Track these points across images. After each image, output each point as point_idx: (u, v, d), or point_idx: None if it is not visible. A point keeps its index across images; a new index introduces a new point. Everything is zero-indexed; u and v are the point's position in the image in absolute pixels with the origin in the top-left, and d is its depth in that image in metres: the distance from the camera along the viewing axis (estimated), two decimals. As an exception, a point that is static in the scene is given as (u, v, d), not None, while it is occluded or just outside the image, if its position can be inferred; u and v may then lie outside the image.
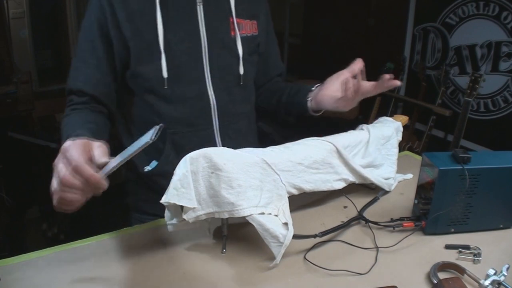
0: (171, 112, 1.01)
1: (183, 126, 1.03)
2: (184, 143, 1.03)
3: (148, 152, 1.03)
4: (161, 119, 1.00)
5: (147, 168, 1.06)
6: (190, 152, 0.81)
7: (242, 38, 1.06)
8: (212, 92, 1.04)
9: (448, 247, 0.87)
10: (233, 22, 1.05)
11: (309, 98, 1.13)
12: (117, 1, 0.94)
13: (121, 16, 0.94)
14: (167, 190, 0.79)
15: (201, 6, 1.00)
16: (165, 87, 0.99)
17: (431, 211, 0.88)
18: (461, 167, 0.86)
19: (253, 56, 1.12)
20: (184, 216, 0.80)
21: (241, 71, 1.07)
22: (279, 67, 1.28)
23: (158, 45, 0.96)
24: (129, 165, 1.09)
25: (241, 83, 1.09)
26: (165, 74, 0.98)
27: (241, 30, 1.06)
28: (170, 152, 1.03)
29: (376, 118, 1.22)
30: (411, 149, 2.61)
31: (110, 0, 0.94)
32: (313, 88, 1.15)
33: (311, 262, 0.81)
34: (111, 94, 1.03)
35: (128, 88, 1.03)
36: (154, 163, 1.05)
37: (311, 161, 0.92)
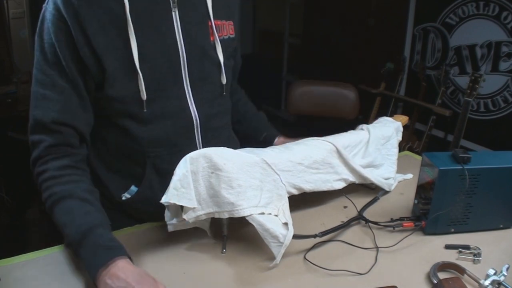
0: (150, 134, 0.90)
1: (164, 147, 0.92)
2: (167, 166, 0.91)
3: (124, 178, 0.96)
4: (138, 143, 0.91)
5: (126, 196, 0.95)
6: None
7: (221, 42, 0.96)
8: (194, 107, 0.94)
9: (448, 247, 0.87)
10: (211, 26, 0.94)
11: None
12: (84, 14, 0.79)
13: (91, 30, 0.80)
14: (167, 190, 0.79)
15: (177, 11, 0.89)
16: (144, 110, 0.88)
17: (431, 211, 0.88)
18: (461, 167, 0.86)
19: (230, 61, 1.02)
20: (184, 216, 0.80)
21: (223, 80, 0.97)
22: (239, 62, 1.17)
23: (133, 62, 0.84)
24: (102, 192, 0.95)
25: (224, 93, 1.00)
26: (143, 96, 0.86)
27: (219, 33, 0.96)
28: (152, 177, 0.93)
29: (376, 118, 1.23)
30: (411, 149, 2.61)
31: (75, 13, 0.79)
32: (276, 143, 1.15)
33: (311, 262, 0.81)
34: (90, 120, 0.89)
35: (99, 110, 0.90)
36: (133, 190, 0.95)
37: (311, 161, 0.92)
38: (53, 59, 0.82)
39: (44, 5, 0.84)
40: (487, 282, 0.73)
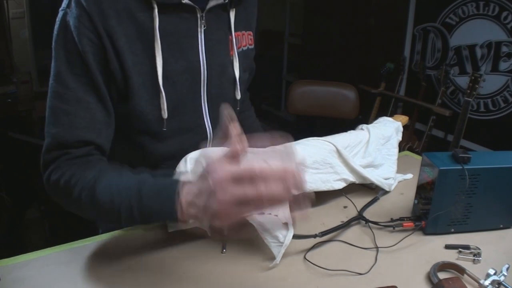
0: (165, 150, 0.89)
1: (177, 159, 0.86)
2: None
3: None
4: (151, 158, 0.89)
5: None
6: None
7: (239, 54, 0.94)
8: (209, 122, 0.93)
9: (448, 247, 0.87)
10: (232, 40, 0.92)
11: None
12: (114, 25, 0.75)
13: (120, 44, 0.76)
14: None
15: (203, 31, 0.86)
16: (164, 129, 0.85)
17: (431, 211, 0.88)
18: (461, 167, 0.86)
19: (245, 74, 1.01)
20: (184, 216, 0.79)
21: (238, 96, 0.97)
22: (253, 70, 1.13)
23: (156, 80, 0.81)
24: None
25: (238, 108, 0.99)
26: (165, 114, 0.84)
27: (238, 44, 0.94)
28: None
29: (376, 118, 1.23)
30: (411, 149, 2.61)
31: (107, 23, 0.74)
32: None
33: (311, 262, 0.81)
34: (112, 135, 0.84)
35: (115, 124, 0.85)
36: None
37: (311, 161, 0.92)
38: (79, 70, 0.75)
39: (62, 8, 0.76)
40: (487, 282, 0.73)
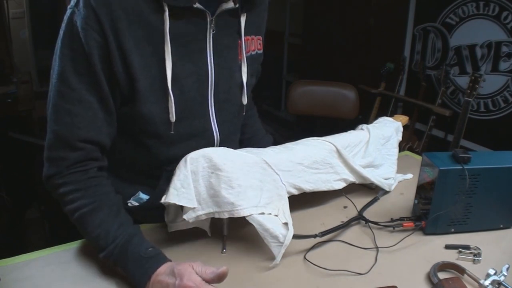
0: (171, 153, 0.88)
1: None
2: None
3: (133, 187, 0.93)
4: (157, 160, 0.89)
5: (132, 203, 0.92)
6: None
7: (248, 58, 0.94)
8: (216, 126, 0.93)
9: (448, 247, 0.87)
10: (241, 45, 0.91)
11: None
12: (122, 28, 0.74)
13: (128, 46, 0.75)
14: (167, 190, 0.79)
15: (211, 35, 0.86)
16: (172, 132, 0.85)
17: (431, 211, 0.89)
18: (461, 167, 0.86)
19: (252, 79, 1.01)
20: (184, 216, 0.80)
21: (244, 101, 0.97)
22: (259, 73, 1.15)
23: (165, 82, 0.81)
24: None
25: (244, 113, 1.00)
26: (173, 118, 0.84)
27: (247, 49, 0.94)
28: (164, 187, 0.87)
29: (376, 118, 1.23)
30: (411, 149, 2.61)
31: (115, 25, 0.74)
32: None
33: (311, 262, 0.81)
34: (114, 133, 0.85)
35: (121, 126, 0.86)
36: (142, 198, 0.93)
37: (311, 161, 0.92)
38: (83, 71, 0.76)
39: (70, 6, 0.76)
40: (487, 282, 0.73)
